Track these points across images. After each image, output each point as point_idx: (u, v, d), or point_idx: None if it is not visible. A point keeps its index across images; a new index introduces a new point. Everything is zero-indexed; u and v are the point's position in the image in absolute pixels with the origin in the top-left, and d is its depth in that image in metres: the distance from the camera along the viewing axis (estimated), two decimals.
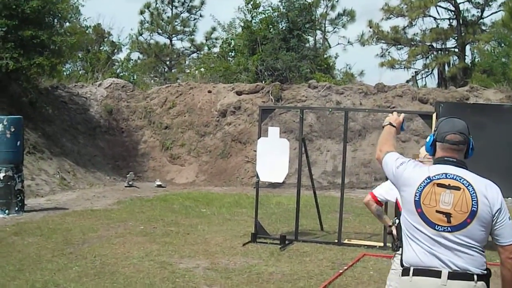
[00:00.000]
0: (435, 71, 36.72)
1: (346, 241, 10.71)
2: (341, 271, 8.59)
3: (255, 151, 13.59)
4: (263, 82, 25.40)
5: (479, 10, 36.07)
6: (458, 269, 3.61)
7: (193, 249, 9.96)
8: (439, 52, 36.32)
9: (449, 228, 3.64)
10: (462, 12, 35.53)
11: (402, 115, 4.52)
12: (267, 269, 8.71)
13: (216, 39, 36.79)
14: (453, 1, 35.04)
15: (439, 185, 3.70)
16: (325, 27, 36.31)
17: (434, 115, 10.09)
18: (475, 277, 3.61)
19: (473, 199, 3.63)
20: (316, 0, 32.67)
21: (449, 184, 3.69)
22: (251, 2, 29.07)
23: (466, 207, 3.62)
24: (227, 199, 16.52)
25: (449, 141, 3.81)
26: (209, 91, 24.53)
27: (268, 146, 10.54)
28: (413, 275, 3.70)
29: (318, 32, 34.67)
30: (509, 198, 10.54)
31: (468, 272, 3.61)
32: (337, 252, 9.94)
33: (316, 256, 9.64)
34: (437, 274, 3.63)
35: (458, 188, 3.67)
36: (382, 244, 10.35)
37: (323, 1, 35.82)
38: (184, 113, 23.86)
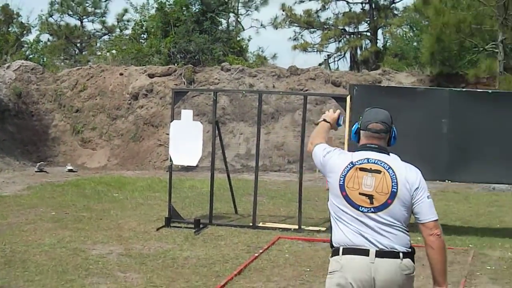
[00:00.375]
0: (348, 55, 37.09)
1: (260, 224, 10.67)
2: (256, 254, 8.53)
3: (168, 134, 13.39)
4: (176, 64, 25.09)
5: None
6: (385, 248, 3.78)
7: (106, 234, 9.70)
8: (352, 35, 36.73)
9: (372, 208, 3.85)
10: None
11: (338, 111, 4.66)
12: (181, 254, 8.57)
13: (128, 21, 36.17)
14: None
15: (362, 169, 3.92)
16: (238, 9, 36.15)
17: (348, 98, 10.14)
18: (401, 254, 3.79)
19: (393, 181, 3.85)
20: None
21: (370, 168, 3.91)
22: None
23: (387, 188, 3.84)
24: (140, 183, 16.26)
25: (371, 130, 4.02)
26: (121, 74, 24.07)
27: (181, 129, 10.36)
28: (342, 254, 3.85)
29: (231, 15, 34.50)
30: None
31: (394, 250, 3.79)
32: (252, 236, 9.88)
33: (231, 239, 9.56)
34: (365, 252, 3.79)
35: (379, 172, 3.89)
36: (296, 227, 10.37)
37: None
38: (95, 96, 23.34)
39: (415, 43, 33.59)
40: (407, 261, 3.82)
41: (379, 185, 3.87)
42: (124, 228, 10.24)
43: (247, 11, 36.39)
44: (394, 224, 3.83)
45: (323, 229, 10.41)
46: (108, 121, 22.77)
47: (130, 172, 19.86)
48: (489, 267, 8.38)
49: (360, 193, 3.89)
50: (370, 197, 3.87)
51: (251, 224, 10.51)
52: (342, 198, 3.93)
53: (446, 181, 10.10)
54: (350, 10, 36.56)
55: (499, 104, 9.73)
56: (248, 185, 14.25)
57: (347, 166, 3.95)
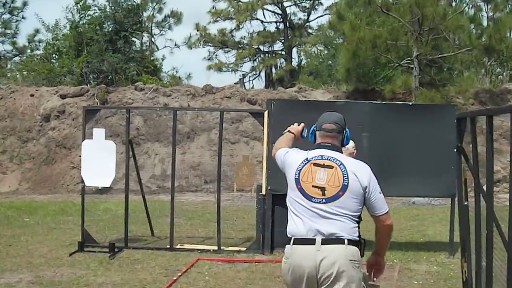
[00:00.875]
0: (263, 74, 37.20)
1: (178, 246, 10.31)
2: (175, 278, 8.15)
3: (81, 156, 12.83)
4: (88, 85, 24.50)
5: (306, 14, 37.07)
6: (331, 236, 4.13)
7: (15, 262, 9.14)
8: (267, 54, 36.88)
9: (324, 200, 4.22)
10: (289, 15, 36.34)
11: (302, 124, 5.14)
12: (96, 280, 8.11)
13: (40, 41, 35.02)
14: (280, 5, 35.68)
15: (315, 164, 4.32)
16: (152, 29, 35.73)
17: (265, 113, 9.92)
18: (346, 241, 4.14)
19: (344, 176, 4.25)
20: (143, 2, 32.09)
21: (323, 164, 4.31)
22: (81, 3, 27.94)
23: (338, 182, 4.23)
24: (52, 207, 15.66)
25: (325, 129, 4.48)
26: (32, 95, 23.35)
27: (93, 149, 9.92)
28: (293, 244, 4.32)
29: (145, 34, 34.07)
30: None
31: (340, 237, 4.14)
32: (170, 258, 9.50)
33: (148, 263, 9.15)
34: (312, 241, 4.16)
35: (331, 167, 4.29)
36: (216, 248, 10.05)
37: (150, 3, 35.24)
38: (5, 118, 22.55)
39: (329, 61, 33.93)
40: (353, 248, 4.18)
41: (331, 179, 4.25)
42: (35, 254, 9.69)
43: (161, 31, 35.95)
44: (344, 214, 4.19)
45: (243, 249, 10.14)
46: (19, 143, 22.02)
47: (42, 196, 19.18)
48: (416, 282, 8.31)
49: (313, 186, 4.27)
50: (323, 189, 4.24)
51: (168, 246, 10.12)
52: (297, 190, 4.35)
53: None
54: (264, 29, 36.76)
55: (419, 117, 9.72)
56: (165, 206, 13.87)
57: (302, 162, 4.39)
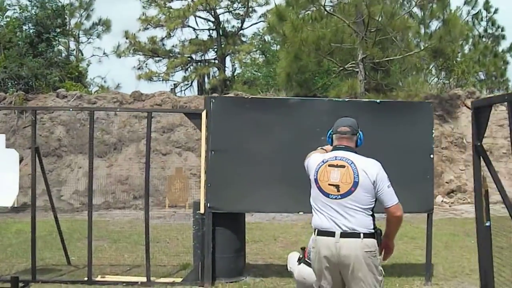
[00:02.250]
0: (195, 83, 36.01)
1: (98, 278, 8.47)
2: None
3: None
4: (6, 92, 22.33)
5: (239, 21, 35.97)
6: (348, 230, 4.78)
7: None
8: (199, 63, 35.55)
9: (339, 196, 4.85)
10: (222, 22, 35.20)
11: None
12: None
13: None
14: (212, 12, 34.39)
15: (330, 165, 4.96)
16: (79, 36, 33.77)
17: (204, 113, 8.23)
18: (362, 235, 4.77)
19: (355, 173, 4.86)
20: (71, 9, 30.14)
21: (337, 164, 4.94)
22: None
23: (350, 179, 4.85)
24: None
25: (340, 132, 5.12)
26: None
27: None
28: (317, 235, 4.94)
29: (72, 41, 32.10)
30: (301, 213, 8.97)
31: (355, 231, 4.77)
32: None
33: None
34: (332, 234, 4.81)
35: (343, 166, 4.91)
36: (145, 279, 8.26)
37: (78, 10, 33.35)
38: None
39: (265, 68, 32.63)
40: (368, 240, 4.80)
41: (344, 177, 4.86)
42: None
43: (88, 38, 34.04)
44: (357, 208, 4.82)
45: (178, 280, 8.39)
46: None
47: None
48: None
49: (329, 184, 4.90)
50: (337, 186, 4.85)
51: (86, 278, 8.27)
52: (317, 189, 4.97)
53: None
54: (197, 37, 35.55)
55: (388, 116, 8.14)
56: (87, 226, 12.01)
57: (319, 163, 5.03)
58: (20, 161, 18.08)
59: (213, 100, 8.34)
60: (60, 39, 27.26)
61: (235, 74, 36.54)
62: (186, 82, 36.83)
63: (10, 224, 14.01)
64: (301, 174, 8.32)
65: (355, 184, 4.82)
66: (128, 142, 19.80)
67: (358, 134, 5.19)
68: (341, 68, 20.50)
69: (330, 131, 5.28)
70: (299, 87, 20.93)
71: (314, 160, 5.14)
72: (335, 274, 4.88)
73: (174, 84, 36.27)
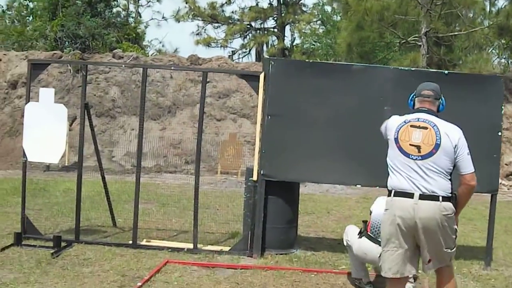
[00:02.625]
0: (253, 51, 35.57)
1: (144, 242, 8.14)
2: None
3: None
4: (62, 50, 22.21)
5: None
6: (427, 191, 4.80)
7: None
8: (258, 31, 34.97)
9: (419, 157, 4.88)
10: None
11: None
12: None
13: (14, 1, 32.60)
14: None
15: (412, 126, 5.00)
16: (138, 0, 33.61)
17: (262, 75, 7.76)
18: (440, 198, 4.82)
19: (437, 136, 4.91)
20: None
21: (419, 125, 4.99)
22: None
23: (432, 141, 4.90)
24: (5, 185, 13.40)
25: (423, 95, 5.20)
26: None
27: (38, 115, 7.73)
28: (393, 196, 4.93)
29: (131, 4, 31.90)
30: (358, 186, 8.46)
31: (434, 194, 4.81)
32: (131, 259, 7.32)
33: (100, 265, 6.96)
34: (410, 195, 4.83)
35: (426, 128, 4.97)
36: (191, 246, 7.89)
37: None
38: None
39: (328, 40, 31.99)
40: (446, 204, 4.83)
41: (426, 138, 4.91)
42: None
43: (148, 2, 33.81)
44: (437, 171, 4.84)
45: (226, 249, 7.99)
46: None
47: (1, 171, 16.93)
48: None
49: (410, 144, 4.93)
50: (418, 147, 4.89)
51: (130, 242, 7.95)
52: (396, 149, 4.98)
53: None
54: (257, 5, 34.97)
55: (456, 89, 7.48)
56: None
57: (401, 123, 5.05)
58: (74, 120, 18.03)
59: (272, 62, 7.84)
60: (119, 0, 27.04)
61: (294, 44, 35.93)
62: (244, 50, 36.41)
63: (59, 183, 13.86)
64: (361, 144, 7.90)
65: (437, 146, 4.85)
66: (183, 106, 19.50)
67: (440, 100, 5.23)
68: (404, 41, 19.75)
69: (412, 94, 5.33)
70: (359, 58, 20.28)
71: (394, 120, 5.14)
72: (407, 237, 4.86)
73: (232, 51, 35.89)
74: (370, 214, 6.41)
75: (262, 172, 7.74)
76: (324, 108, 7.78)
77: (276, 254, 7.89)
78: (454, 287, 5.19)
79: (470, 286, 6.97)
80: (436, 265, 5.00)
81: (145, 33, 29.44)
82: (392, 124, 5.11)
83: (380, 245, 5.49)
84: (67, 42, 23.53)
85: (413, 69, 7.90)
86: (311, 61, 8.17)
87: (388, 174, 5.03)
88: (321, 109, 7.78)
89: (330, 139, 7.77)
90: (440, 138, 4.85)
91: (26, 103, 7.98)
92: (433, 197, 4.76)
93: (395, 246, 4.88)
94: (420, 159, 4.84)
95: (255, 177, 7.78)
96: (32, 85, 8.22)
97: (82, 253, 7.45)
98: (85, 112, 8.08)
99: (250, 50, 36.43)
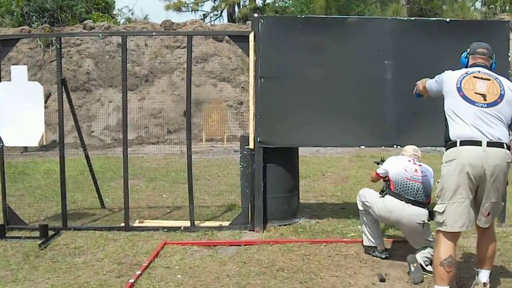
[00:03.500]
0: (225, 13, 34.97)
1: (137, 224, 7.61)
2: (132, 280, 5.45)
3: None
4: (30, 26, 21.39)
5: None
6: (494, 139, 4.76)
7: None
8: None
9: (485, 104, 4.84)
10: None
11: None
12: None
13: None
14: None
15: (475, 77, 5.00)
16: None
17: (251, 36, 7.16)
18: (505, 145, 4.79)
19: (501, 87, 4.93)
20: None
21: (482, 77, 4.99)
22: None
23: (497, 91, 4.90)
24: None
25: (479, 52, 5.18)
26: None
27: (12, 94, 7.10)
28: (460, 145, 4.79)
29: None
30: (361, 146, 7.92)
31: (500, 141, 4.78)
32: (125, 243, 6.79)
33: (93, 254, 6.41)
34: (478, 143, 4.75)
35: (488, 79, 4.98)
36: (188, 223, 7.37)
37: None
38: None
39: None
40: (508, 151, 4.81)
41: (490, 88, 4.91)
42: None
43: None
44: (501, 120, 4.85)
45: (225, 224, 7.48)
46: None
47: None
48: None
49: (475, 93, 4.90)
50: (484, 95, 4.88)
51: (123, 224, 7.40)
52: (460, 97, 4.92)
53: (394, 146, 7.35)
54: None
55: (460, 38, 6.83)
56: (120, 163, 11.06)
57: (462, 74, 5.04)
58: (48, 96, 17.30)
59: (262, 21, 7.22)
60: None
61: (266, 3, 35.27)
62: (215, 12, 35.77)
63: (39, 164, 13.23)
64: (362, 103, 7.37)
65: (501, 96, 4.86)
66: (160, 74, 18.85)
67: (493, 58, 5.21)
68: None
69: (465, 52, 5.26)
70: (338, 13, 19.75)
71: (451, 72, 5.12)
72: (473, 187, 4.78)
73: (204, 15, 35.23)
74: (379, 163, 6.38)
75: (258, 140, 7.20)
76: (320, 67, 7.23)
77: (280, 226, 7.40)
78: (495, 247, 5.17)
79: None
80: (490, 219, 4.99)
81: (114, 2, 28.45)
82: (450, 76, 5.09)
83: (406, 202, 5.74)
84: (34, 17, 22.71)
85: (412, 18, 7.33)
86: (303, 16, 7.57)
87: (447, 124, 4.94)
88: (318, 68, 7.23)
89: (329, 99, 7.25)
90: (503, 89, 4.90)
91: None
92: (500, 144, 4.75)
93: (462, 197, 4.77)
94: (486, 107, 4.81)
95: (251, 145, 7.24)
96: (2, 63, 7.53)
97: (72, 241, 6.90)
98: (63, 88, 7.45)
99: (221, 12, 35.82)
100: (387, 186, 5.95)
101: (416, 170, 5.97)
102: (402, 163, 6.07)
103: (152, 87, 18.71)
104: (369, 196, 6.08)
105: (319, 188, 10.35)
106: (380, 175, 6.13)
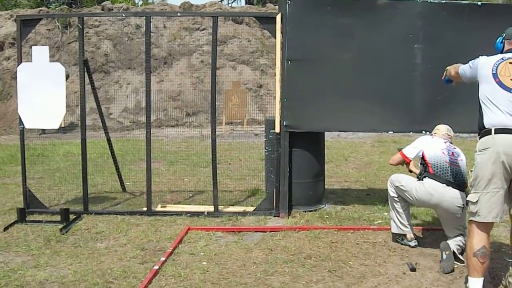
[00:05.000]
0: None
1: (159, 208, 7.48)
2: (156, 267, 5.32)
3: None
4: (48, 7, 21.27)
5: None
6: None
7: None
8: None
9: None
10: None
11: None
12: (36, 276, 5.19)
13: None
14: None
15: (511, 63, 4.74)
16: None
17: (278, 17, 6.96)
18: None
19: None
20: None
21: None
22: None
23: None
24: (0, 153, 12.65)
25: None
26: None
27: (33, 76, 6.97)
28: (495, 133, 4.61)
29: None
30: (389, 132, 7.70)
31: None
32: (148, 228, 6.67)
33: (116, 239, 6.29)
34: None
35: None
36: (212, 209, 7.23)
37: None
38: None
39: None
40: None
41: None
42: None
43: None
44: None
45: (250, 209, 7.33)
46: None
47: None
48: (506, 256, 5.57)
49: (511, 79, 4.66)
50: None
51: (145, 209, 7.28)
52: (495, 84, 4.72)
53: (423, 132, 7.15)
54: None
55: (493, 23, 6.58)
56: (140, 146, 11.14)
57: (498, 60, 4.81)
58: (66, 78, 17.19)
59: (290, 2, 7.01)
60: None
61: None
62: None
63: (58, 146, 13.12)
64: (391, 87, 7.16)
65: None
66: (179, 56, 18.68)
67: None
68: None
69: (501, 37, 5.03)
70: None
71: (486, 58, 4.90)
72: (508, 176, 4.60)
73: None
74: (399, 150, 6.18)
75: (285, 124, 7.03)
76: (348, 50, 7.04)
77: (305, 212, 7.25)
78: None
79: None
80: None
81: None
82: (486, 61, 4.85)
83: (447, 185, 5.60)
84: None
85: (443, 1, 7.09)
86: None
87: (481, 111, 4.75)
88: (346, 51, 7.04)
89: (357, 83, 7.05)
90: None
91: (18, 64, 7.19)
92: None
93: (497, 187, 4.59)
94: None
95: (277, 129, 7.07)
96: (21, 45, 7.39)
97: (94, 225, 6.79)
98: (85, 70, 7.30)
99: None
100: (424, 169, 5.79)
101: (453, 154, 5.84)
102: (438, 145, 5.91)
103: (170, 69, 18.55)
104: (404, 180, 5.89)
105: (342, 173, 10.18)
106: (408, 156, 5.97)
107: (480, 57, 4.94)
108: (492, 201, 4.60)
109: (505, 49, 4.93)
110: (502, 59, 4.79)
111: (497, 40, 5.06)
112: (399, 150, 6.18)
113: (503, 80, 4.67)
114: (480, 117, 4.77)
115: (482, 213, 4.62)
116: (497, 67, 4.74)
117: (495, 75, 4.72)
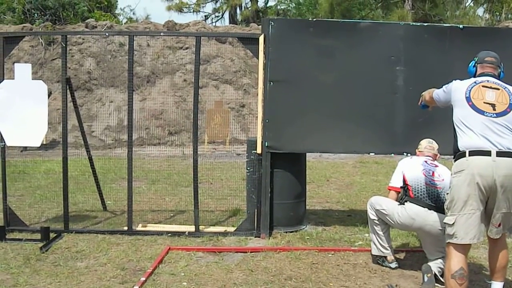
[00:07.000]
0: (226, 15, 34.94)
1: (140, 228, 7.46)
2: (136, 287, 5.30)
3: None
4: (32, 23, 21.24)
5: None
6: (503, 148, 4.67)
7: None
8: None
9: (495, 114, 4.80)
10: None
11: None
12: None
13: None
14: None
15: (484, 86, 4.96)
16: None
17: (261, 38, 7.01)
18: None
19: (510, 96, 4.89)
20: None
21: (491, 86, 4.96)
22: None
23: (506, 100, 4.86)
24: None
25: (488, 61, 5.16)
26: None
27: (16, 93, 6.95)
28: (469, 156, 4.72)
29: None
30: (370, 153, 7.74)
31: (510, 150, 4.67)
32: (129, 248, 6.63)
33: (96, 258, 6.26)
34: (488, 153, 4.66)
35: (498, 89, 4.94)
36: (193, 229, 7.22)
37: None
38: None
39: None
40: None
41: (499, 97, 4.87)
42: None
43: None
44: (510, 129, 4.75)
45: (231, 229, 7.33)
46: None
47: None
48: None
49: (484, 102, 4.85)
50: (493, 105, 4.83)
51: (126, 228, 7.25)
52: (468, 107, 4.87)
53: (405, 154, 7.19)
54: None
55: (474, 45, 6.68)
56: (121, 165, 11.07)
57: (471, 84, 5.01)
58: (49, 95, 17.12)
59: (272, 23, 7.06)
60: None
61: (267, 5, 35.20)
62: (217, 14, 35.69)
63: (39, 163, 13.07)
64: (372, 109, 7.21)
65: (511, 106, 4.81)
66: (162, 75, 18.69)
67: (501, 67, 5.19)
68: None
69: (473, 61, 5.24)
70: (342, 17, 19.66)
71: (460, 82, 5.07)
72: (483, 198, 4.69)
73: (205, 16, 35.14)
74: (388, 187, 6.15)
75: (266, 144, 7.06)
76: (330, 71, 7.09)
77: (286, 232, 7.26)
78: (507, 258, 5.03)
79: None
80: (501, 230, 4.87)
81: (116, 1, 28.33)
82: (459, 85, 5.04)
83: (429, 208, 5.64)
84: (36, 14, 22.55)
85: (425, 24, 7.18)
86: (314, 19, 7.42)
87: (456, 134, 4.89)
88: (328, 72, 7.09)
89: (339, 104, 7.10)
90: None
91: (0, 81, 7.16)
92: (509, 154, 4.64)
93: (473, 209, 4.69)
94: (495, 117, 4.75)
95: (259, 150, 7.09)
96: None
97: (74, 244, 6.74)
98: (67, 88, 7.30)
99: (223, 14, 35.76)
100: (405, 193, 5.83)
101: (433, 174, 5.87)
102: (418, 166, 5.96)
103: (153, 88, 18.55)
104: (385, 204, 5.90)
105: (324, 194, 10.22)
106: (397, 186, 5.99)
107: (454, 81, 5.11)
108: (468, 222, 4.69)
109: (478, 73, 5.14)
110: (475, 82, 4.97)
111: (470, 64, 5.25)
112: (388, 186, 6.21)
113: (476, 103, 4.83)
114: (454, 140, 4.89)
115: (459, 235, 4.71)
116: (470, 90, 4.92)
117: (468, 99, 4.87)
